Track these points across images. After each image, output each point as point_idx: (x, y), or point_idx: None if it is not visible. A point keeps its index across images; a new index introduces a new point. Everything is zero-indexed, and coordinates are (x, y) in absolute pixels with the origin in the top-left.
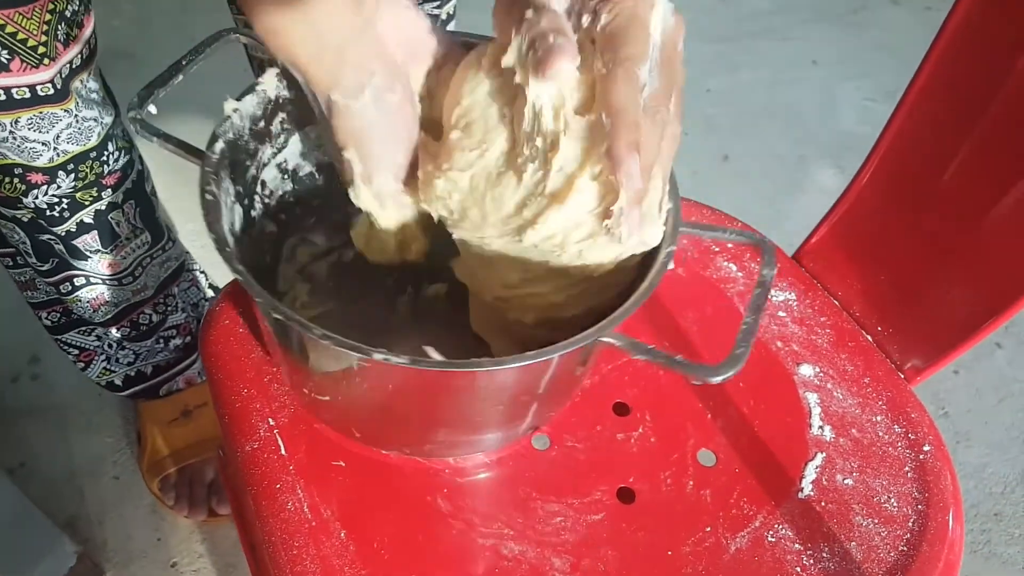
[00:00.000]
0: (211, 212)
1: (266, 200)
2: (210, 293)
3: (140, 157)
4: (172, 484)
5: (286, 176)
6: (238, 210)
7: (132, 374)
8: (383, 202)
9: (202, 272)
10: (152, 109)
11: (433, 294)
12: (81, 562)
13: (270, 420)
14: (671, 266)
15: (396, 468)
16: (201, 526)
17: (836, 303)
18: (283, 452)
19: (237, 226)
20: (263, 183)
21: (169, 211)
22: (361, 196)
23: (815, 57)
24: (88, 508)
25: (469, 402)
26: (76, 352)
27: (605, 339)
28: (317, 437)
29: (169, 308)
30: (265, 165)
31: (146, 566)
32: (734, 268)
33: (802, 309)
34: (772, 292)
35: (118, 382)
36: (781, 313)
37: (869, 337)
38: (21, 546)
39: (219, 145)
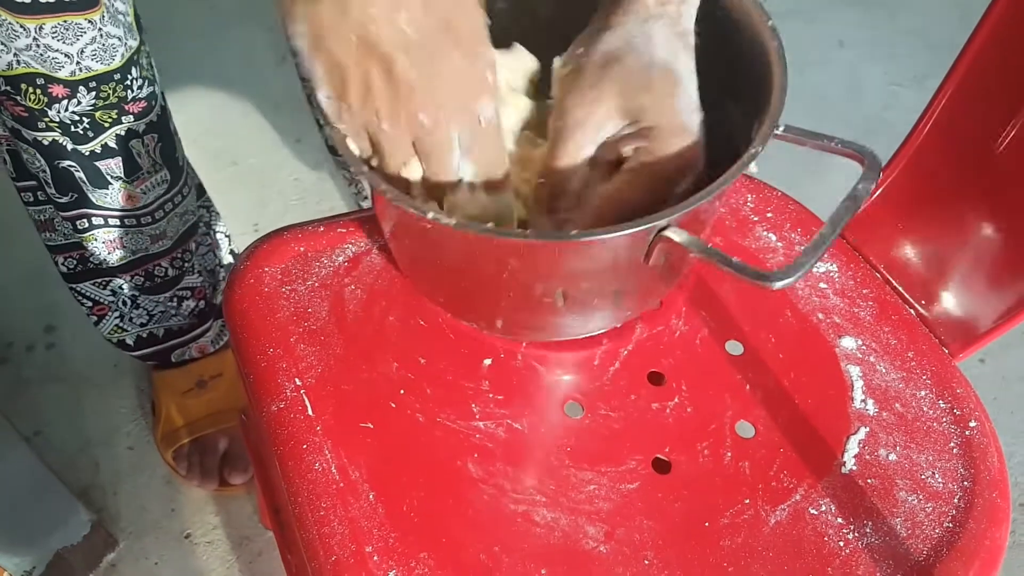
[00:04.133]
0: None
1: None
2: (228, 259)
3: (163, 94)
4: (185, 454)
5: None
6: None
7: (144, 335)
8: None
9: (227, 236)
10: None
11: None
12: (95, 531)
13: (296, 380)
14: (754, 169)
15: (425, 431)
16: (215, 497)
17: (879, 276)
18: (310, 412)
19: None
20: None
21: (207, 152)
22: None
23: (842, 39)
24: (102, 478)
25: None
26: (90, 304)
27: (667, 234)
28: (345, 399)
29: (186, 265)
30: None
31: (160, 536)
32: (773, 238)
33: (844, 281)
34: None
35: (130, 341)
36: (823, 284)
37: (912, 311)
38: (37, 513)
39: None
